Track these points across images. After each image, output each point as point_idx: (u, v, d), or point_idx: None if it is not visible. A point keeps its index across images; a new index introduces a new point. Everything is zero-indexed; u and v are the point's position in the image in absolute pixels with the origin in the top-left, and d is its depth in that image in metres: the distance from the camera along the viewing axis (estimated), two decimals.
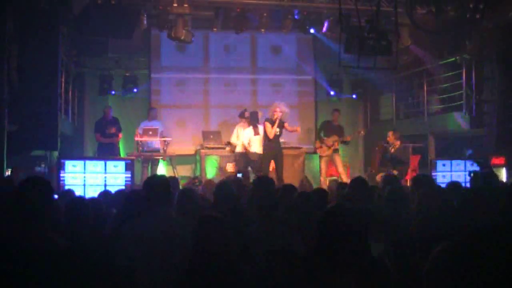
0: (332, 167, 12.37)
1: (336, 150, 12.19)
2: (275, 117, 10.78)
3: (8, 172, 9.36)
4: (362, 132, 13.18)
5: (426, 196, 4.58)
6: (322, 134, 12.35)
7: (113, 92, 13.69)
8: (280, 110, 10.77)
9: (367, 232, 2.42)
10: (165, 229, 3.82)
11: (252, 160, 10.96)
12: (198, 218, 3.33)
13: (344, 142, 12.42)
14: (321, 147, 12.18)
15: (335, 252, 2.32)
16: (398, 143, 12.07)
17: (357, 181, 5.42)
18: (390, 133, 12.06)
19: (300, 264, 3.00)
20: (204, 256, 2.99)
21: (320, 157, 12.23)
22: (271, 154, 10.80)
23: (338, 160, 12.21)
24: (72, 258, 2.90)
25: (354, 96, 15.43)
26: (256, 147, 10.98)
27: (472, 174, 7.06)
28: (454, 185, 6.28)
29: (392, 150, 12.01)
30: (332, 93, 14.96)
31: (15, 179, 9.02)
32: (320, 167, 12.43)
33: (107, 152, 11.74)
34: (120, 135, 12.37)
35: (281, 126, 10.84)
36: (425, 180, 6.27)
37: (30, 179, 3.30)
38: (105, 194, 6.18)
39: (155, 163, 12.16)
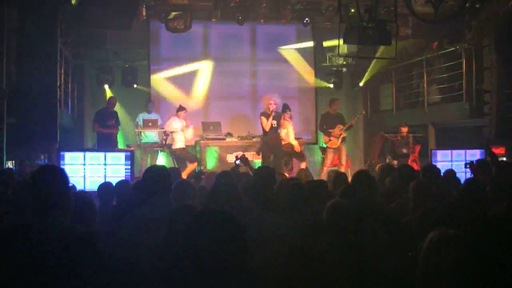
0: (335, 157, 12.35)
1: (343, 140, 12.25)
2: (270, 109, 10.72)
3: (9, 164, 9.38)
4: (363, 112, 13.08)
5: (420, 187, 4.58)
6: (325, 127, 12.33)
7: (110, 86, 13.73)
8: (274, 102, 10.70)
9: (239, 239, 2.14)
10: (164, 219, 3.82)
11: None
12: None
13: (349, 128, 12.44)
14: (330, 140, 12.14)
15: (204, 263, 2.07)
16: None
17: (360, 175, 5.32)
18: (405, 129, 12.16)
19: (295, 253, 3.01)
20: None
21: (328, 149, 12.22)
22: (270, 146, 10.78)
23: (344, 150, 12.28)
24: (92, 246, 2.93)
25: (355, 88, 15.40)
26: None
27: (468, 165, 7.08)
28: (450, 174, 6.31)
29: (394, 139, 12.07)
30: (331, 86, 14.95)
31: (22, 172, 9.07)
32: (324, 159, 12.44)
33: (107, 144, 11.75)
34: (117, 129, 12.37)
35: (278, 117, 10.78)
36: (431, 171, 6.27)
37: (45, 167, 3.32)
38: (107, 185, 6.17)
39: (154, 155, 12.20)
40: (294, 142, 11.71)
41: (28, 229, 2.89)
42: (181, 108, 11.77)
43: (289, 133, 11.66)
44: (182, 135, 11.56)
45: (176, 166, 10.84)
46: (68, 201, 3.10)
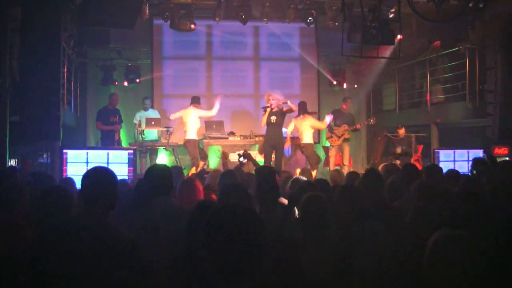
0: (338, 156, 12.37)
1: (346, 140, 12.22)
2: (267, 105, 10.70)
3: (11, 162, 9.39)
4: (371, 120, 13.19)
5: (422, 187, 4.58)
6: (332, 124, 12.35)
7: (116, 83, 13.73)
8: (273, 98, 10.67)
9: (260, 235, 2.11)
10: (167, 218, 3.82)
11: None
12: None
13: (354, 130, 12.44)
14: (331, 137, 12.18)
15: (224, 259, 2.04)
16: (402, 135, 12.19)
17: (371, 173, 5.34)
18: (402, 131, 12.16)
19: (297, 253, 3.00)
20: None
21: (331, 147, 12.24)
22: (271, 143, 10.74)
23: (346, 150, 12.29)
24: (135, 250, 2.98)
25: (355, 86, 15.33)
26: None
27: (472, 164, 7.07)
28: (453, 174, 6.30)
29: (397, 139, 12.08)
30: (334, 82, 14.89)
31: (24, 170, 9.08)
32: (327, 157, 12.45)
33: (110, 141, 11.76)
34: (120, 126, 12.39)
35: (279, 114, 10.74)
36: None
37: (95, 168, 3.36)
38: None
39: (153, 153, 12.19)
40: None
41: (73, 227, 2.93)
42: (195, 100, 11.63)
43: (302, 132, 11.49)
44: (195, 124, 11.43)
45: (180, 164, 10.84)
46: (116, 202, 3.15)
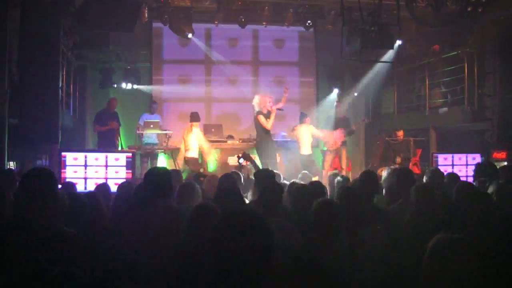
0: (336, 160, 12.36)
1: (343, 143, 12.21)
2: (270, 108, 10.52)
3: (11, 165, 9.37)
4: (366, 120, 13.14)
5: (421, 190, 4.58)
6: (329, 128, 12.35)
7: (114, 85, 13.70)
8: (271, 100, 10.55)
9: (267, 243, 2.08)
10: (166, 220, 3.83)
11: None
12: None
13: (350, 133, 12.44)
14: (328, 141, 12.19)
15: (230, 265, 2.02)
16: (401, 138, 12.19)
17: (367, 175, 5.32)
18: (401, 133, 12.14)
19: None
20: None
21: (327, 151, 12.23)
22: (270, 148, 10.63)
23: (344, 154, 12.26)
24: (78, 246, 2.94)
25: (355, 94, 15.33)
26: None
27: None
28: (452, 177, 6.31)
29: (395, 143, 12.10)
30: (336, 90, 14.81)
31: (23, 172, 9.05)
32: (323, 161, 12.44)
33: (108, 142, 11.71)
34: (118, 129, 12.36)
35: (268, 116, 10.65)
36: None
37: (34, 169, 3.35)
38: (103, 186, 6.16)
39: (154, 157, 12.16)
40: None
41: (13, 229, 2.91)
42: (194, 118, 11.33)
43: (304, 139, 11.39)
44: (196, 143, 11.22)
45: (178, 167, 10.82)
46: (56, 202, 3.12)
